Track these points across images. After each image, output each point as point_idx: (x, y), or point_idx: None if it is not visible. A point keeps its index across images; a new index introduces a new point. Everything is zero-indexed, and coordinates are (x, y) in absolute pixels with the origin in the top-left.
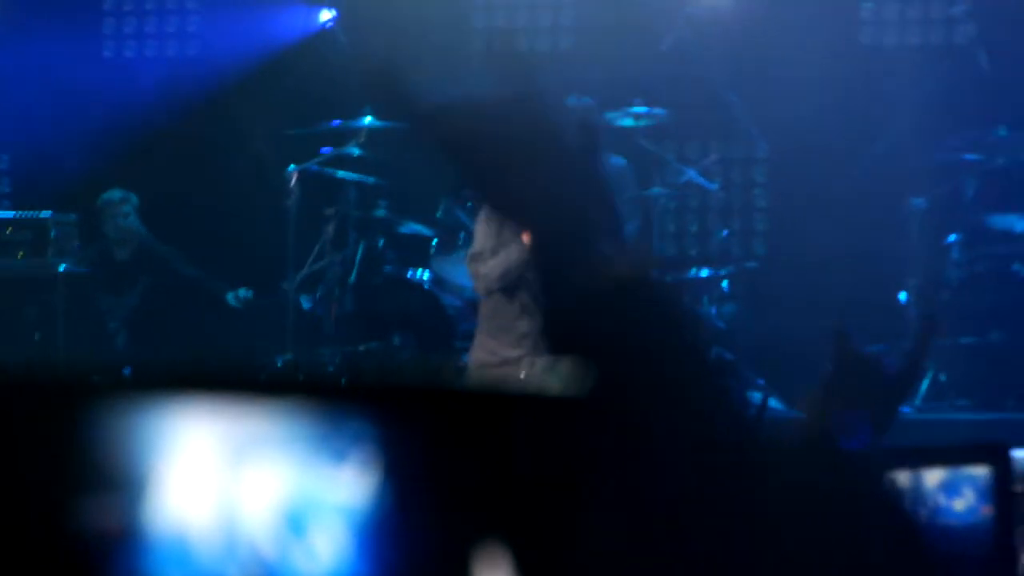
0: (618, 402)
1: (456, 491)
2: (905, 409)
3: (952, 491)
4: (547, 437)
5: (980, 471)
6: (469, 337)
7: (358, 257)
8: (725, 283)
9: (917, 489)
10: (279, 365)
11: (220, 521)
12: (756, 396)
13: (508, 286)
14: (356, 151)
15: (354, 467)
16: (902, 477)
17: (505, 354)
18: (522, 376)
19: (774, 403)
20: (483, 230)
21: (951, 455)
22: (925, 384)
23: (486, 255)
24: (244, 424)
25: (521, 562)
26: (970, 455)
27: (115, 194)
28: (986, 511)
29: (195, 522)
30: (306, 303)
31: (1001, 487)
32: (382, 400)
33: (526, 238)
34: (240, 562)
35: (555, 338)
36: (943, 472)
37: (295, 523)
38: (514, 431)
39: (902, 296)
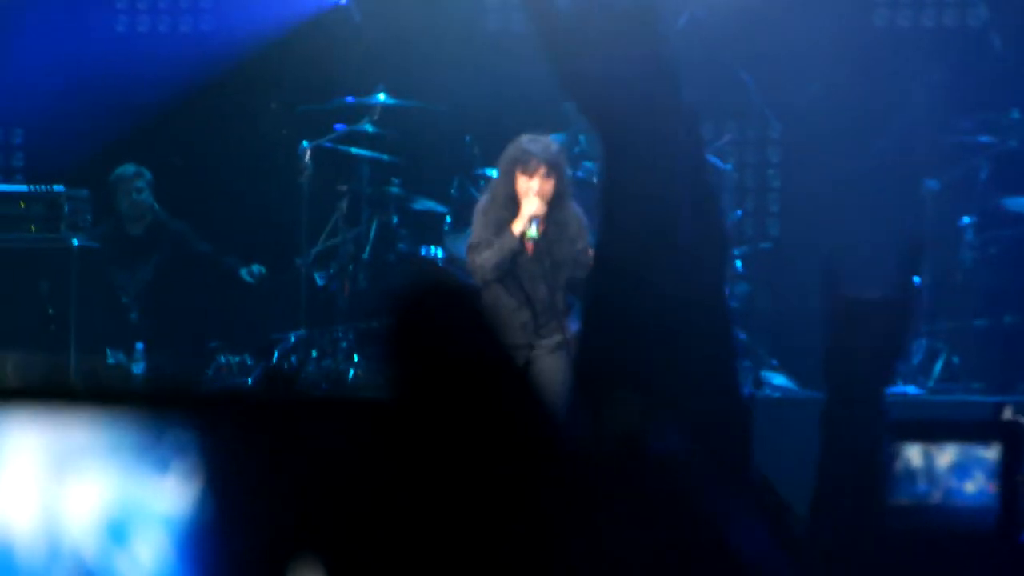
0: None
1: (275, 499)
2: (918, 390)
3: (963, 473)
4: (361, 442)
5: (991, 453)
6: None
7: (371, 234)
8: (739, 263)
9: (929, 469)
10: (292, 340)
11: (44, 530)
12: (772, 376)
13: (505, 276)
14: (369, 128)
15: (177, 477)
16: (914, 453)
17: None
18: (522, 364)
19: (786, 382)
20: (480, 221)
21: (964, 431)
22: (938, 366)
23: (482, 246)
24: (67, 433)
25: (336, 568)
26: (983, 431)
27: (128, 169)
28: (994, 490)
29: (18, 531)
30: (320, 279)
31: (1009, 466)
32: (203, 409)
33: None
34: (64, 570)
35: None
36: (955, 451)
37: (118, 532)
38: (332, 437)
39: (916, 279)
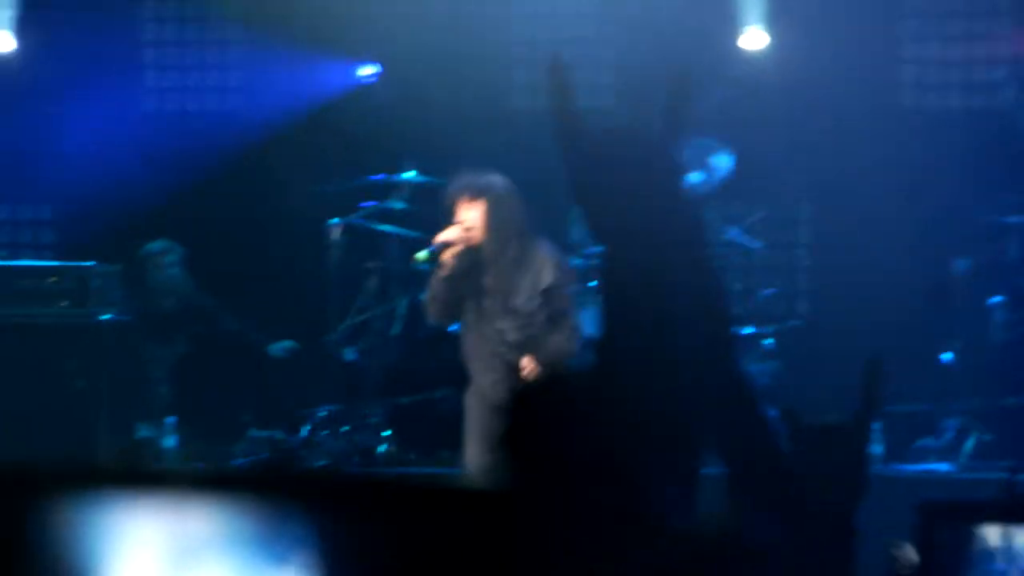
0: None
1: None
2: (950, 467)
3: None
4: (475, 531)
5: None
6: None
7: (400, 311)
8: (768, 341)
9: (1008, 548)
10: (322, 415)
11: None
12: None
13: (471, 323)
14: (398, 205)
15: (294, 570)
16: (992, 533)
17: (491, 397)
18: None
19: None
20: None
21: None
22: (969, 443)
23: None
24: (189, 523)
25: None
26: None
27: (157, 245)
28: None
29: None
30: (349, 356)
31: None
32: (324, 501)
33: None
34: None
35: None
36: None
37: None
38: (454, 529)
39: (946, 357)
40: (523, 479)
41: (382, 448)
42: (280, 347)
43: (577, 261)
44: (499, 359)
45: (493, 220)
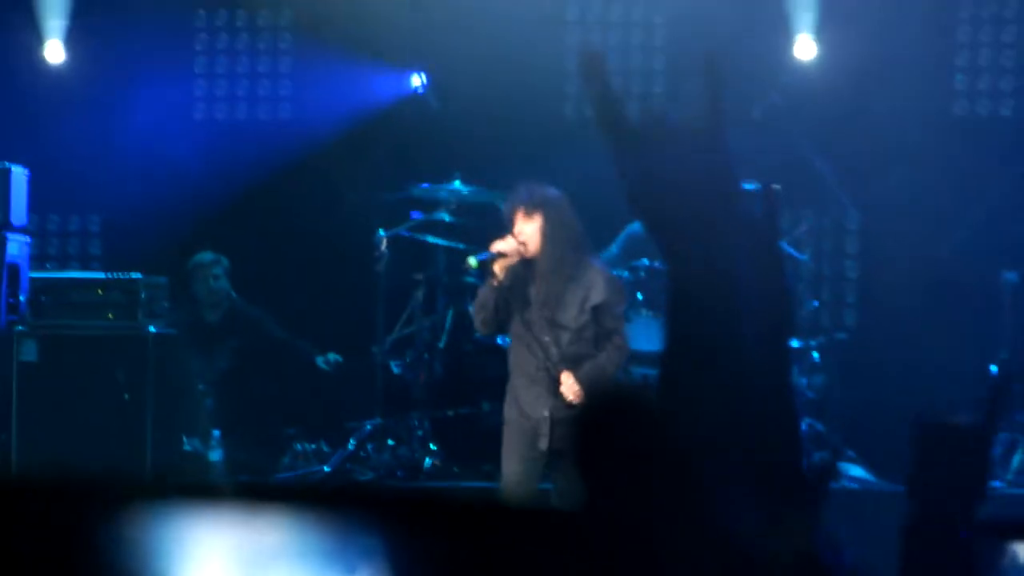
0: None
1: None
2: (999, 483)
3: None
4: (550, 553)
5: None
6: None
7: (448, 323)
8: (815, 354)
9: None
10: (368, 428)
11: None
12: (849, 467)
13: (518, 337)
14: (446, 216)
15: None
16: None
17: (529, 412)
18: (542, 444)
19: (863, 473)
20: None
21: None
22: (1016, 459)
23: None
24: (260, 535)
25: None
26: None
27: (206, 256)
28: None
29: None
30: (396, 368)
31: None
32: (393, 514)
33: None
34: None
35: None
36: None
37: None
38: (521, 547)
39: (994, 369)
40: (597, 499)
41: (428, 462)
42: (327, 359)
43: (624, 274)
44: (544, 373)
45: (548, 234)
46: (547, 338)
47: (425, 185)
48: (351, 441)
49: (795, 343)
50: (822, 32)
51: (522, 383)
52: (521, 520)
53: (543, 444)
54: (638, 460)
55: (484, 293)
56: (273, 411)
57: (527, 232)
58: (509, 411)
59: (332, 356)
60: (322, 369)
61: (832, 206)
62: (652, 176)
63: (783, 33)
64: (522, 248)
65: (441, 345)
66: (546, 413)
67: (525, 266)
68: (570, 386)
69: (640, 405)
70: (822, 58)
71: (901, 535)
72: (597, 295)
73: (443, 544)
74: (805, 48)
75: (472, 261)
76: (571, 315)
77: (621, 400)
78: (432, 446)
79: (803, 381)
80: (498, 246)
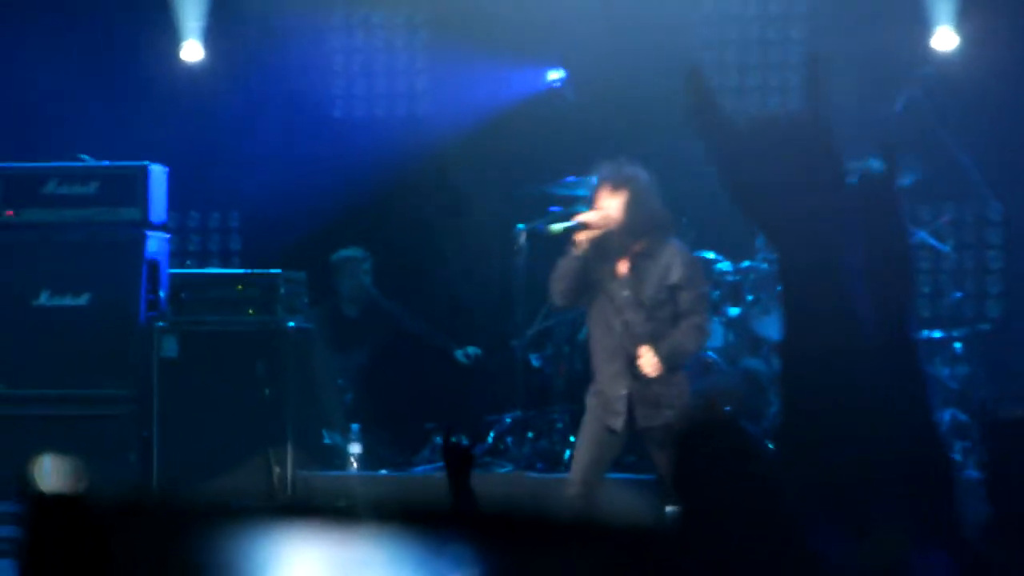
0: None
1: None
2: None
3: None
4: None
5: None
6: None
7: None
8: (958, 345)
9: None
10: (507, 422)
11: None
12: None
13: (597, 315)
14: (584, 210)
15: None
16: None
17: (606, 390)
18: (616, 423)
19: None
20: None
21: None
22: None
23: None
24: (348, 548)
25: None
26: None
27: (356, 252)
28: None
29: None
30: (535, 361)
31: None
32: (480, 529)
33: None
34: None
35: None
36: None
37: None
38: (608, 565)
39: None
40: (700, 519)
41: (568, 454)
42: (466, 353)
43: (763, 266)
44: (623, 351)
45: (631, 211)
46: (626, 317)
47: (570, 179)
48: (490, 434)
49: (937, 334)
50: (961, 23)
51: (601, 360)
52: (617, 537)
53: (618, 423)
54: (731, 484)
55: (565, 263)
56: (412, 405)
57: (611, 206)
58: (591, 397)
59: (472, 350)
60: (461, 363)
61: (974, 198)
62: (750, 174)
63: (922, 25)
64: (605, 221)
65: (580, 338)
66: (624, 391)
67: (608, 240)
68: (648, 360)
69: (733, 429)
70: (962, 49)
71: (980, 537)
72: (675, 274)
73: (533, 558)
74: (945, 39)
75: (556, 227)
76: (649, 292)
77: (714, 426)
78: (572, 438)
79: (945, 372)
80: (583, 217)
